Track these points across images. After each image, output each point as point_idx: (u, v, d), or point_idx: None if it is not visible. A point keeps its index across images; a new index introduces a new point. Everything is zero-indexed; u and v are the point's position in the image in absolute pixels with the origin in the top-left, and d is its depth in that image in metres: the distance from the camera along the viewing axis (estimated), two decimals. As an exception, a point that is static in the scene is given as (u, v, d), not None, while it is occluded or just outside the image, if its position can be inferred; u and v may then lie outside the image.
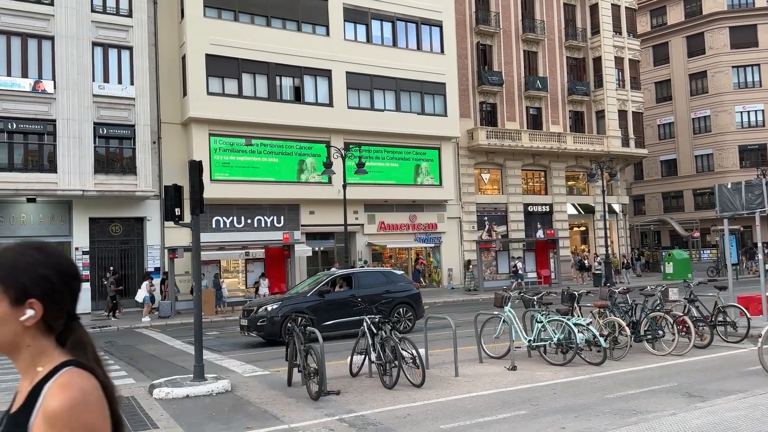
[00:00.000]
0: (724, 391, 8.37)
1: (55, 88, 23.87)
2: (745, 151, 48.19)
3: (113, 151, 25.35)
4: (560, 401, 8.24)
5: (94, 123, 24.64)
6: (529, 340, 11.05)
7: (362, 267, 25.90)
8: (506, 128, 35.78)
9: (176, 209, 10.43)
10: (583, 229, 40.66)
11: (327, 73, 29.42)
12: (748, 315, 12.36)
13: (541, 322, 10.92)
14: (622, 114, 40.66)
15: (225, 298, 24.23)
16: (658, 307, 12.10)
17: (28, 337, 1.45)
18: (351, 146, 27.67)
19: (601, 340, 10.45)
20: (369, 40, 30.96)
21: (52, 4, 24.09)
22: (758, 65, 48.41)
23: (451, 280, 33.06)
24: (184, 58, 26.78)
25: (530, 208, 37.09)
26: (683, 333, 11.43)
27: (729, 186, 14.49)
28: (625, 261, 36.33)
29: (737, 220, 34.00)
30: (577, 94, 39.18)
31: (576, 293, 12.32)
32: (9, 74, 23.32)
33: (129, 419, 8.12)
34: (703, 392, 8.44)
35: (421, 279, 31.78)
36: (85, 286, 24.67)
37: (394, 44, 31.65)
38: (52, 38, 24.02)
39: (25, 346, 1.46)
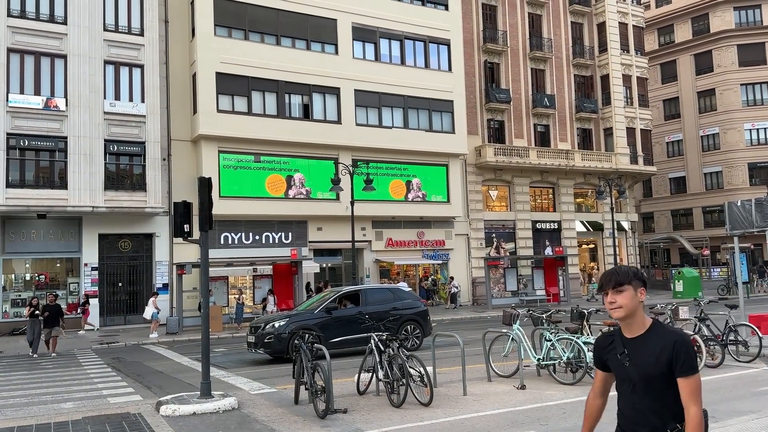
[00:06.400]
0: (737, 412, 8.26)
1: (66, 105, 24.17)
2: (754, 168, 48.00)
3: (123, 167, 25.57)
4: (570, 421, 8.15)
5: (105, 140, 24.89)
6: (539, 359, 10.96)
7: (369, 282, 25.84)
8: (514, 145, 35.83)
9: (185, 225, 10.47)
10: (591, 246, 40.48)
11: (336, 91, 29.64)
12: (760, 334, 12.21)
13: (551, 340, 10.84)
14: (631, 131, 40.64)
15: (243, 315, 24.06)
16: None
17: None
18: (359, 163, 27.80)
19: (611, 358, 10.33)
20: (377, 58, 31.21)
21: (65, 23, 24.49)
22: (767, 83, 48.36)
23: (459, 298, 32.91)
24: (194, 76, 27.07)
25: (538, 225, 37.00)
26: (694, 352, 11.29)
27: (739, 203, 14.41)
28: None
29: (747, 237, 33.75)
30: (585, 112, 39.23)
31: (585, 311, 12.24)
32: (22, 92, 23.64)
33: (136, 436, 8.09)
34: (715, 412, 8.32)
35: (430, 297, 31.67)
36: (94, 303, 24.80)
37: (402, 62, 31.89)
38: (64, 56, 24.37)
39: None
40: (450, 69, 33.17)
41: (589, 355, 10.29)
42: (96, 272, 25.20)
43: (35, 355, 17.52)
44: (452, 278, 32.18)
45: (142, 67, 25.82)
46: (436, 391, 9.44)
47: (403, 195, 31.26)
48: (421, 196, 31.75)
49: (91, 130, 24.53)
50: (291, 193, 28.51)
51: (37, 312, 17.95)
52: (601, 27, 40.63)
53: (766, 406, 8.45)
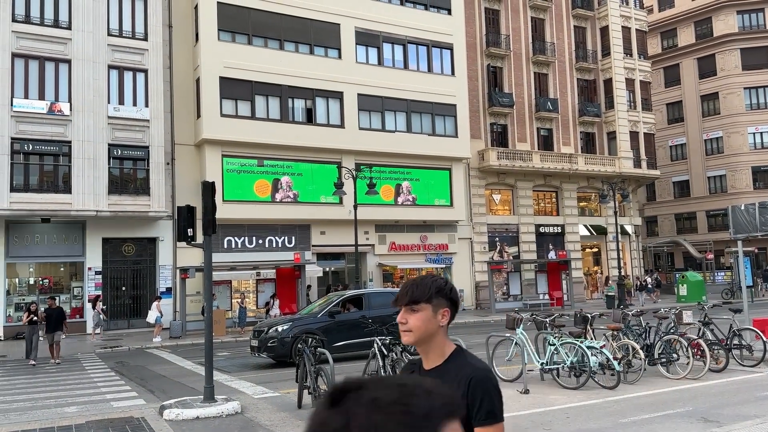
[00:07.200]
0: (741, 416, 8.23)
1: (71, 110, 24.25)
2: (758, 172, 47.87)
3: (127, 172, 25.62)
4: (574, 425, 8.13)
5: (109, 144, 24.96)
6: (542, 363, 10.94)
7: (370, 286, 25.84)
8: (517, 149, 35.82)
9: (189, 230, 10.50)
10: (595, 250, 40.41)
11: (339, 95, 29.69)
12: (764, 338, 12.17)
13: (554, 344, 10.82)
14: (634, 135, 40.60)
15: (245, 319, 24.05)
16: (672, 330, 11.95)
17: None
18: (362, 167, 27.81)
19: (615, 363, 10.33)
20: (380, 62, 31.26)
21: (69, 28, 24.59)
22: (770, 86, 48.25)
23: (462, 302, 32.87)
24: (198, 80, 27.15)
25: (542, 229, 36.95)
26: (698, 356, 11.27)
27: (743, 207, 14.39)
28: (639, 283, 36.01)
29: (751, 241, 33.64)
30: (588, 116, 39.21)
31: (589, 315, 12.22)
32: (26, 96, 23.74)
33: (139, 440, 8.09)
34: (719, 417, 8.29)
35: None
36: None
37: (405, 66, 31.93)
38: (69, 61, 24.47)
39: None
40: (453, 73, 33.20)
41: (593, 359, 10.26)
42: (99, 276, 25.24)
43: (33, 362, 16.60)
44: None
45: (146, 71, 25.90)
46: (439, 396, 9.41)
47: (392, 198, 31.07)
48: (410, 199, 31.59)
49: (95, 135, 24.61)
50: (278, 196, 28.47)
51: (35, 318, 17.14)
52: (604, 31, 40.63)
53: (770, 411, 8.41)
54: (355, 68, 30.24)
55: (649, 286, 35.22)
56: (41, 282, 25.15)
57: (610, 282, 35.84)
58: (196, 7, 27.48)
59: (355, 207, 24.50)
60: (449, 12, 33.53)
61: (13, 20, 23.70)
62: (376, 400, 0.83)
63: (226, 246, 27.31)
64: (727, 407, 8.87)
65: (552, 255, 34.78)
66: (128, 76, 25.67)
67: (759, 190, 45.94)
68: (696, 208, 50.28)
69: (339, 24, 30.04)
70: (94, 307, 23.43)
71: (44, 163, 24.20)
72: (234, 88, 27.24)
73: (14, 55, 23.64)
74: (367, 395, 0.83)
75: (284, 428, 8.54)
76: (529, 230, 36.34)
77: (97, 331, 23.10)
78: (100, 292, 25.01)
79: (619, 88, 40.10)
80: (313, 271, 27.71)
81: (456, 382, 2.06)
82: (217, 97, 26.78)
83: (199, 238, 10.70)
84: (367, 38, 30.88)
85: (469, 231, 34.15)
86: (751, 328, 12.68)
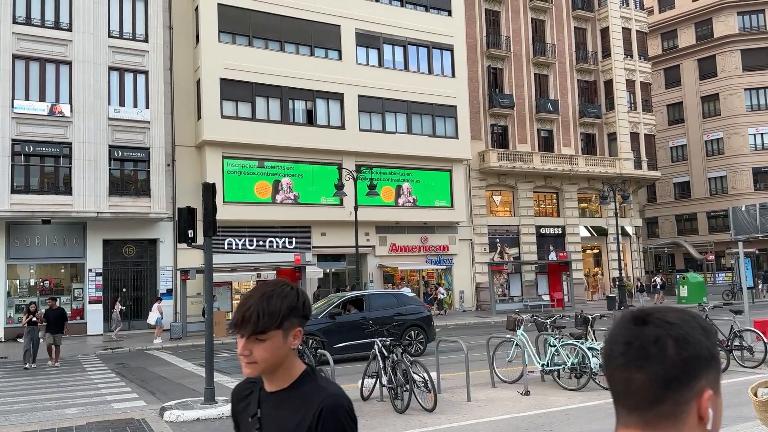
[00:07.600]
0: (742, 417, 8.22)
1: (71, 111, 24.27)
2: (759, 173, 47.86)
3: (128, 173, 25.64)
4: (574, 427, 8.12)
5: (110, 146, 24.97)
6: (543, 365, 10.94)
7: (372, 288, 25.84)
8: (517, 150, 35.83)
9: (189, 231, 10.50)
10: (596, 251, 40.39)
11: (339, 97, 29.71)
12: (765, 339, 12.16)
13: (555, 346, 10.81)
14: (634, 136, 40.61)
15: None
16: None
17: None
18: (362, 168, 27.83)
19: (616, 364, 10.30)
20: (381, 63, 31.28)
21: (70, 29, 24.62)
22: (771, 87, 48.25)
23: (463, 303, 32.85)
24: (198, 82, 27.17)
25: (542, 231, 36.94)
26: (699, 358, 11.25)
27: (743, 208, 14.38)
28: (639, 284, 35.99)
29: (752, 242, 33.64)
30: (589, 117, 39.22)
31: (590, 317, 12.21)
32: (27, 98, 23.76)
33: (139, 442, 8.08)
34: (720, 419, 8.28)
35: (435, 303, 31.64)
36: (98, 308, 24.85)
37: (406, 68, 31.95)
38: (69, 63, 24.49)
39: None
40: (453, 74, 33.21)
41: (594, 360, 10.25)
42: (100, 278, 25.24)
43: (33, 365, 16.12)
44: (439, 285, 32.32)
45: (146, 73, 25.92)
46: (440, 397, 9.42)
47: (393, 199, 31.07)
48: (411, 201, 31.58)
49: (95, 136, 24.62)
50: (278, 197, 28.47)
51: (35, 319, 16.63)
52: (605, 32, 40.64)
53: (771, 412, 8.39)
54: (356, 69, 30.26)
55: (657, 286, 35.23)
56: (42, 283, 25.14)
57: (617, 283, 35.85)
58: (196, 9, 27.51)
59: (356, 208, 24.50)
60: (449, 13, 33.56)
61: (14, 22, 23.73)
62: (680, 318, 1.10)
63: (226, 247, 27.32)
64: (727, 408, 8.86)
65: (552, 256, 34.77)
66: (129, 78, 25.69)
67: (760, 191, 45.94)
68: (696, 209, 50.27)
69: (339, 25, 30.06)
70: (113, 308, 23.74)
71: (45, 165, 24.20)
72: (234, 90, 27.27)
73: (15, 57, 23.65)
74: (671, 316, 1.10)
75: (285, 430, 8.53)
76: (529, 231, 36.33)
77: (111, 330, 23.42)
78: (101, 293, 25.02)
79: (619, 89, 40.11)
80: (314, 272, 27.72)
81: (304, 409, 1.74)
82: (218, 98, 26.80)
83: (200, 240, 10.70)
84: (367, 39, 30.90)
85: (470, 232, 34.15)
86: (752, 329, 12.67)
